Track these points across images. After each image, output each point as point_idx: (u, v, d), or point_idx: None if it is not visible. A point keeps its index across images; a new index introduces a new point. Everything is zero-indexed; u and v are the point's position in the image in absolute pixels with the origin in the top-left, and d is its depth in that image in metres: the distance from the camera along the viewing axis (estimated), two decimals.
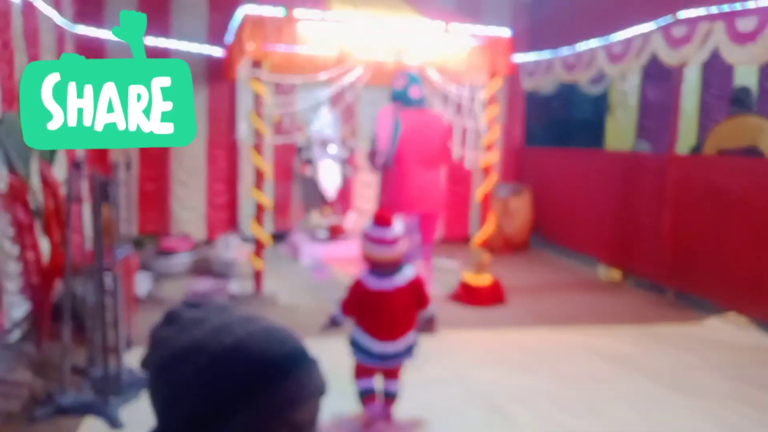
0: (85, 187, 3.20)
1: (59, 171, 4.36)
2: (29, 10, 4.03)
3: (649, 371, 3.52)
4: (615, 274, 5.84)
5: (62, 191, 3.53)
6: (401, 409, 2.97)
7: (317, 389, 0.73)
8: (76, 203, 3.08)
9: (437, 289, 5.12)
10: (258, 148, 4.69)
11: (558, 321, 4.46)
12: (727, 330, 4.31)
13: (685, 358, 3.74)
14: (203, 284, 5.02)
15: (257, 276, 4.86)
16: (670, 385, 3.31)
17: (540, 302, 5.02)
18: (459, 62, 4.77)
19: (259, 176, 4.73)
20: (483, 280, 4.92)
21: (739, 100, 4.99)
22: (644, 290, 5.45)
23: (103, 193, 2.97)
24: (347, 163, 6.74)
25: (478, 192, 5.17)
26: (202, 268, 5.63)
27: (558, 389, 3.26)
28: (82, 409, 2.77)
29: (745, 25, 4.12)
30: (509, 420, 2.89)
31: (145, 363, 0.74)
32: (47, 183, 3.59)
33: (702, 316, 4.60)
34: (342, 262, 6.13)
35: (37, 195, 3.69)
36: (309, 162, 6.62)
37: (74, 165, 3.04)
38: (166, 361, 0.70)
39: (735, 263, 4.42)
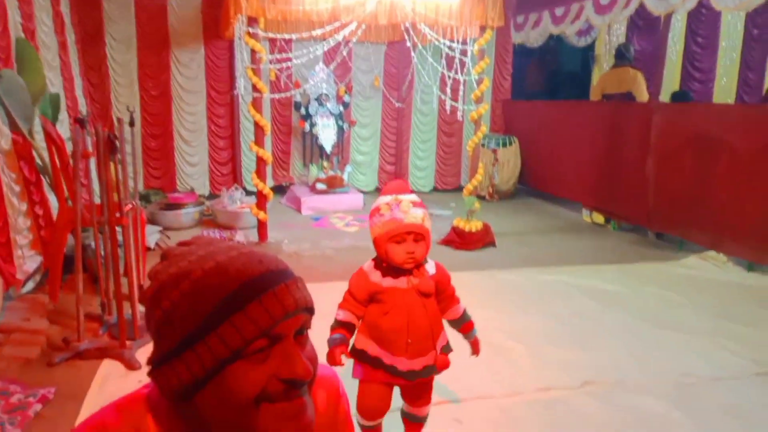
0: (89, 144, 3.06)
1: (63, 129, 4.20)
2: None
3: (634, 308, 3.51)
4: (598, 218, 5.80)
5: (67, 147, 3.39)
6: None
7: (298, 304, 0.70)
8: (82, 159, 2.95)
9: (432, 235, 5.07)
10: (256, 103, 4.53)
11: (546, 262, 4.43)
12: (706, 268, 4.29)
13: (668, 296, 3.72)
14: (210, 235, 4.94)
15: (261, 226, 4.79)
16: (655, 321, 3.30)
17: (529, 245, 4.98)
18: (450, 16, 4.56)
19: (258, 131, 4.59)
20: (474, 225, 4.87)
21: (621, 54, 5.54)
22: (627, 232, 5.42)
23: (108, 148, 2.84)
24: (343, 118, 6.58)
25: (469, 143, 5.06)
26: (208, 221, 5.56)
27: (549, 326, 3.25)
28: (100, 354, 2.73)
29: None
30: (505, 355, 2.87)
31: (142, 298, 0.74)
32: (52, 140, 3.44)
33: (682, 255, 4.58)
34: (341, 212, 6.07)
35: (41, 152, 3.55)
36: (306, 117, 6.45)
37: (78, 121, 2.89)
38: (157, 291, 0.70)
39: (715, 204, 4.37)
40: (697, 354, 2.90)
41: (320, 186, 6.22)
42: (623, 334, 3.13)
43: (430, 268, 1.82)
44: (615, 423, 2.28)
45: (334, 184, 6.27)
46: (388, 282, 1.75)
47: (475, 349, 1.95)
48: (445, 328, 1.87)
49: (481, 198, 6.20)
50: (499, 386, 2.56)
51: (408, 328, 1.73)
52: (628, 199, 5.28)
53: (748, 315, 3.41)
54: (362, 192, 6.70)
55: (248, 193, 6.00)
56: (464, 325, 1.92)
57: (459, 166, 7.49)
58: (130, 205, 3.00)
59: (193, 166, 6.57)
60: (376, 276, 1.77)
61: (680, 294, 3.74)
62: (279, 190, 6.63)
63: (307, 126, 6.43)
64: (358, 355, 1.79)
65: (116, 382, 2.51)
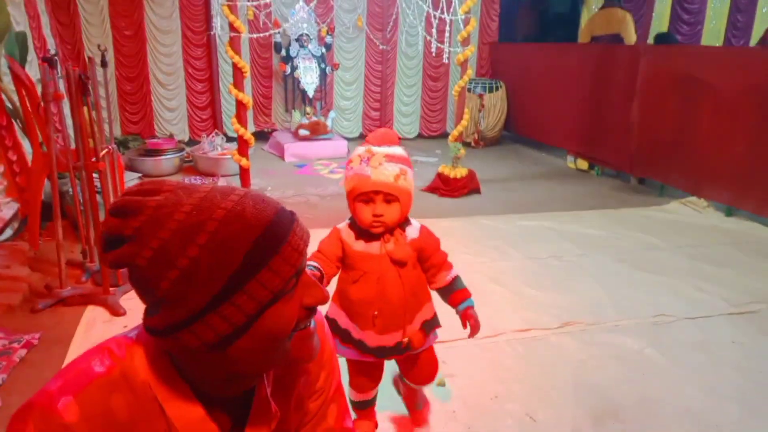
0: (61, 86, 2.95)
1: (32, 71, 4.04)
2: None
3: (614, 251, 3.58)
4: (583, 164, 5.83)
5: (38, 90, 3.27)
6: None
7: (309, 237, 0.74)
8: (53, 101, 2.84)
9: (417, 182, 5.06)
10: (234, 44, 4.36)
11: (530, 208, 4.47)
12: (686, 212, 4.38)
13: (647, 239, 3.80)
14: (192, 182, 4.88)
15: (243, 173, 4.72)
16: (634, 264, 3.38)
17: (513, 192, 5.01)
18: None
19: (237, 74, 4.45)
20: (459, 172, 4.87)
21: None
22: (610, 178, 5.47)
23: (80, 89, 2.74)
24: (326, 60, 6.41)
25: (455, 87, 4.98)
26: (189, 167, 5.47)
27: (529, 269, 3.31)
28: (84, 300, 2.73)
29: None
30: (486, 297, 2.92)
31: (121, 261, 0.66)
32: (21, 82, 3.31)
33: (663, 201, 4.65)
34: (325, 159, 6.02)
35: (10, 95, 3.42)
36: (287, 60, 6.27)
37: (47, 61, 2.77)
38: (159, 252, 0.64)
39: (698, 150, 4.40)
40: (672, 294, 2.99)
41: (303, 132, 6.12)
42: (602, 276, 3.21)
43: (413, 231, 1.58)
44: (592, 360, 2.37)
45: (317, 131, 6.18)
46: (360, 246, 1.55)
47: (467, 324, 1.61)
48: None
49: (466, 145, 6.17)
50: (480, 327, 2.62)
51: (378, 300, 1.54)
52: (611, 144, 5.30)
53: (724, 257, 3.50)
54: (346, 138, 6.63)
55: (229, 139, 5.90)
56: (452, 296, 1.62)
57: (445, 111, 7.40)
58: (107, 149, 2.93)
59: (171, 110, 6.40)
60: (348, 236, 1.57)
61: (659, 237, 3.82)
62: (261, 136, 6.52)
63: (288, 69, 6.26)
64: (330, 324, 1.64)
65: (101, 327, 2.53)
